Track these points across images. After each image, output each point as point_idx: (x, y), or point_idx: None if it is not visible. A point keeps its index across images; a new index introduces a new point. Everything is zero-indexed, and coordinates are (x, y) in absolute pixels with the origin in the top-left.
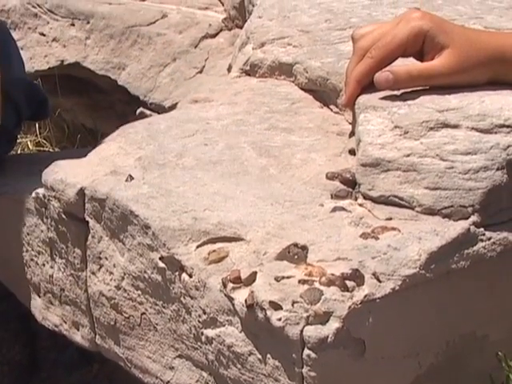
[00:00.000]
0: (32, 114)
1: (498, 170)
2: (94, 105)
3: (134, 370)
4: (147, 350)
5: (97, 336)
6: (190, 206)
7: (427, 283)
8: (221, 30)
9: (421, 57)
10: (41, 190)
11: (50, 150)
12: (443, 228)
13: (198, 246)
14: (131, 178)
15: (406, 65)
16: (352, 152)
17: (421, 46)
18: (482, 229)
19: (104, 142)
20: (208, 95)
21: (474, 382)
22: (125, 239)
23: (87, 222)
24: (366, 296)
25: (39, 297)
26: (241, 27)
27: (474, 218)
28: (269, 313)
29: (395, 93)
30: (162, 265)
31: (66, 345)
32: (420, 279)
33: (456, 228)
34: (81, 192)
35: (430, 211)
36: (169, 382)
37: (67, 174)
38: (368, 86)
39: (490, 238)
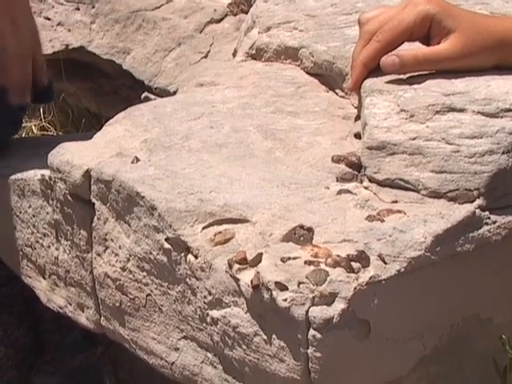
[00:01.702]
0: (37, 96)
1: (503, 153)
2: (99, 89)
3: (138, 352)
4: (152, 331)
5: (102, 317)
6: (195, 188)
7: (432, 265)
8: (226, 15)
9: (427, 41)
10: (46, 172)
11: (55, 134)
12: (449, 211)
13: (203, 228)
14: (137, 159)
15: (413, 49)
16: (358, 136)
17: (427, 29)
18: (487, 212)
19: (110, 124)
20: (214, 79)
21: (477, 365)
22: (131, 221)
23: (93, 204)
24: (371, 277)
25: (44, 279)
26: (246, 12)
27: (479, 201)
28: (274, 293)
29: (401, 76)
30: (167, 246)
31: (70, 327)
32: (425, 261)
33: (461, 211)
34: (87, 174)
35: (436, 194)
36: (174, 363)
37: (73, 156)
38: (374, 69)
39: (495, 222)
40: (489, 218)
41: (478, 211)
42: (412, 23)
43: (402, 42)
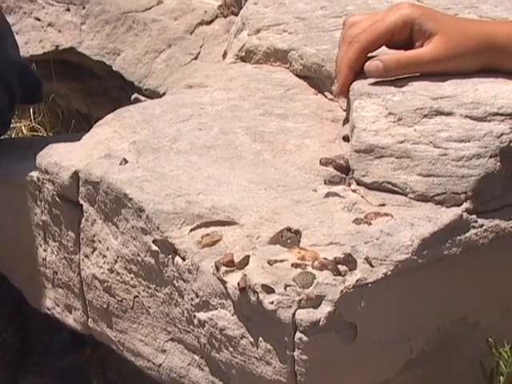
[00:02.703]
0: (26, 97)
1: (490, 157)
2: (89, 90)
3: (126, 353)
4: (139, 333)
5: (89, 319)
6: (183, 190)
7: (419, 269)
8: (216, 17)
9: (411, 47)
10: (35, 173)
11: (44, 135)
12: (436, 214)
13: (191, 230)
14: (125, 161)
15: (396, 53)
16: (346, 138)
17: (409, 33)
18: (474, 216)
19: (98, 125)
20: (203, 81)
21: (464, 368)
22: (118, 222)
23: (81, 205)
24: (358, 280)
25: (32, 280)
26: (236, 14)
27: (466, 204)
28: (261, 296)
29: (390, 79)
30: (155, 248)
31: (58, 328)
32: (412, 265)
33: (448, 215)
34: (75, 175)
35: (423, 198)
36: (161, 365)
37: (61, 157)
38: (360, 71)
39: (482, 225)
40: (476, 221)
41: (465, 215)
42: (393, 25)
43: (382, 44)
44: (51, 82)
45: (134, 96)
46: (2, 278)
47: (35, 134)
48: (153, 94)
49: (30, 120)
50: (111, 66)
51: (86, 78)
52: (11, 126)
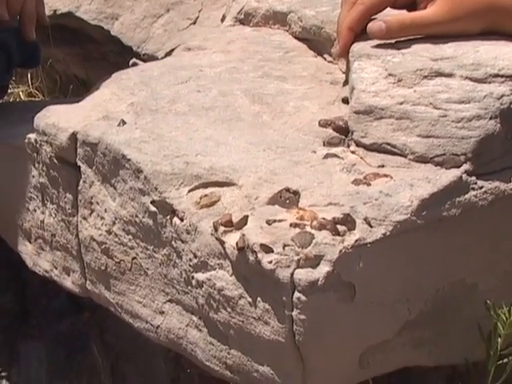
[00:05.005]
0: (23, 60)
1: (491, 119)
2: (87, 55)
3: (124, 315)
4: (138, 294)
5: (87, 281)
6: (182, 151)
7: (418, 230)
8: None
9: (414, 8)
10: (33, 135)
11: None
12: (435, 176)
13: (189, 191)
14: (123, 122)
15: (399, 14)
16: (345, 101)
17: None
18: (473, 177)
19: (97, 87)
20: (201, 43)
21: (462, 330)
22: (116, 184)
23: (79, 167)
24: (356, 240)
25: (30, 243)
26: None
27: (466, 166)
28: (260, 255)
29: (390, 41)
30: (153, 209)
31: (56, 292)
32: (411, 225)
33: (448, 176)
34: (73, 136)
35: (423, 159)
36: (159, 326)
37: (59, 119)
38: (361, 33)
39: (481, 187)
40: (475, 183)
41: (464, 176)
42: None
43: (386, 6)
44: (49, 47)
45: (132, 61)
46: None
47: (33, 99)
48: (151, 59)
49: (28, 85)
50: (109, 30)
51: (84, 43)
52: (9, 91)
